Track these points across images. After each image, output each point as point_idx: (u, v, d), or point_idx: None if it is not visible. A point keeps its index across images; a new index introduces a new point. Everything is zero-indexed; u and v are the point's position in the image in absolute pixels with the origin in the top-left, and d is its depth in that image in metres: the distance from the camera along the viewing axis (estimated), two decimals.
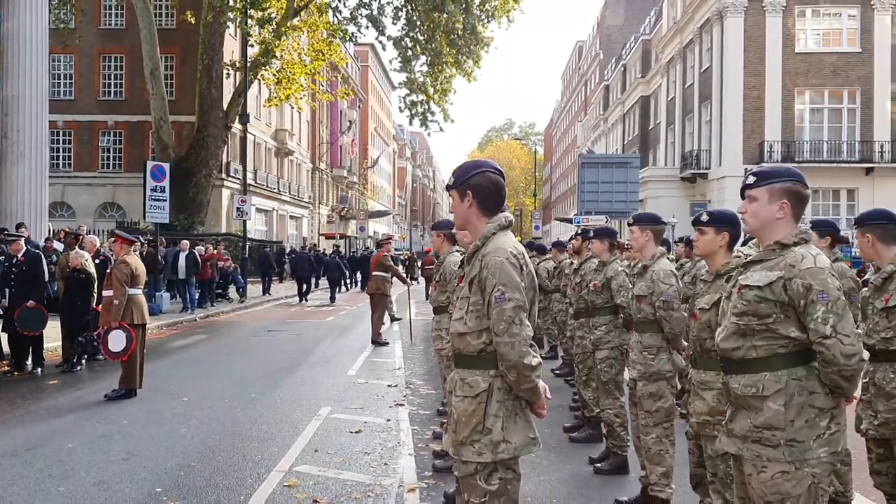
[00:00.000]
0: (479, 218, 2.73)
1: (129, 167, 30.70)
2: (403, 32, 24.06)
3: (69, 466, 5.27)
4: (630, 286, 4.77)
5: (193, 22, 24.00)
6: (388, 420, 6.84)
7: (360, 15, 23.88)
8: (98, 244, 10.56)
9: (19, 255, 9.05)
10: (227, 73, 25.37)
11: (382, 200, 75.28)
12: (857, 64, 27.75)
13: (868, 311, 3.65)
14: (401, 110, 25.89)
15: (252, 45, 23.71)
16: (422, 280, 25.59)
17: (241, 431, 6.35)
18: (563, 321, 8.30)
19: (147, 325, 8.10)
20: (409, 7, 23.55)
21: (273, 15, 22.80)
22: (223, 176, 30.40)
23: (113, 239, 8.34)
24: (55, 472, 5.13)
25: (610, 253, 5.49)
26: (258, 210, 34.94)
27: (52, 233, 15.64)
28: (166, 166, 16.83)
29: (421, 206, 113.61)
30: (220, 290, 20.18)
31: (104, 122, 31.60)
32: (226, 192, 31.25)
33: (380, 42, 24.15)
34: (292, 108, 35.28)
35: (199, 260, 17.34)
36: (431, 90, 24.43)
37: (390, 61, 26.07)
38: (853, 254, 15.94)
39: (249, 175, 29.59)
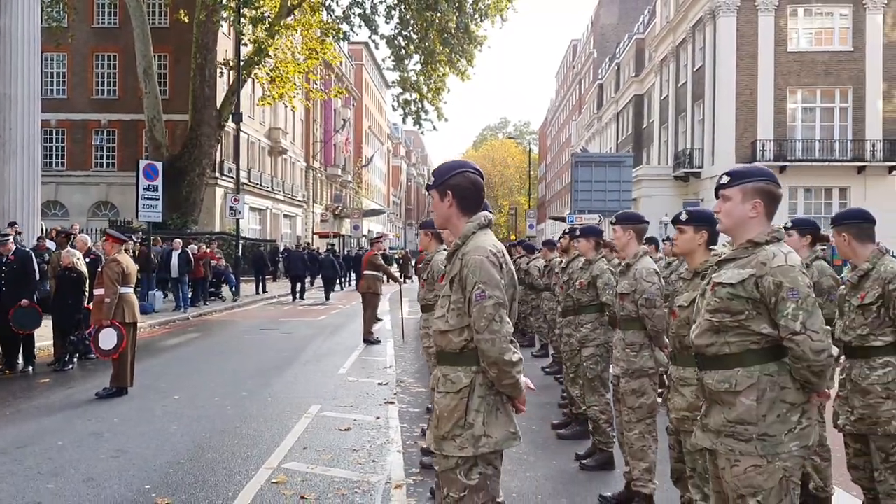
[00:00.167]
0: (459, 217, 2.77)
1: (123, 166, 30.68)
2: (396, 31, 24.07)
3: (59, 464, 5.30)
4: (615, 284, 4.83)
5: (187, 20, 23.97)
6: (378, 418, 6.89)
7: (353, 14, 23.92)
8: (89, 243, 10.58)
9: (9, 255, 9.06)
10: (221, 72, 25.40)
11: (377, 199, 75.26)
12: (849, 63, 27.88)
13: (845, 308, 3.70)
14: (394, 109, 25.90)
15: (245, 44, 23.71)
16: (416, 279, 25.59)
17: (231, 429, 6.39)
18: (553, 319, 8.36)
19: (139, 324, 8.13)
20: (402, 6, 23.56)
21: (266, 14, 22.81)
22: (216, 175, 30.39)
23: (104, 238, 8.37)
24: (45, 470, 5.16)
25: (596, 251, 5.55)
26: (252, 209, 34.86)
27: (44, 232, 15.63)
28: (159, 165, 16.84)
29: (416, 205, 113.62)
30: (212, 289, 20.18)
31: (97, 120, 31.57)
32: (219, 191, 31.21)
33: (373, 41, 24.17)
34: (286, 106, 35.23)
35: (192, 259, 17.34)
36: (425, 89, 24.44)
37: (383, 60, 26.07)
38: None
39: (243, 174, 29.61)
